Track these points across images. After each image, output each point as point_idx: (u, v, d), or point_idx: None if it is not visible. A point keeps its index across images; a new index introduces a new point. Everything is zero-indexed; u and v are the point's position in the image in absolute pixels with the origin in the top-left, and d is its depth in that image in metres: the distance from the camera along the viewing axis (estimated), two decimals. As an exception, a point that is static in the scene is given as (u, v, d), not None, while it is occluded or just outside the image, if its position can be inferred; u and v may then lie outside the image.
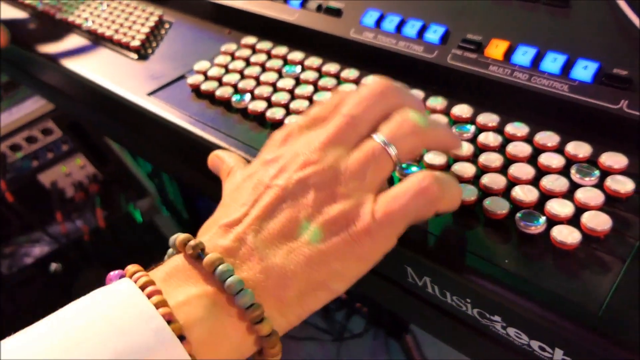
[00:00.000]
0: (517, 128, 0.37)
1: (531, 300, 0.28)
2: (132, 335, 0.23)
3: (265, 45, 0.50)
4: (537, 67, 0.38)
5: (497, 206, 0.32)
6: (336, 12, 0.48)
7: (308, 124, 0.32)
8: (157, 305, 0.24)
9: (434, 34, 0.43)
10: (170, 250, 0.30)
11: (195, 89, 0.48)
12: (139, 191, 1.11)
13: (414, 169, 0.35)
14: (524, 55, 0.39)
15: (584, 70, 0.36)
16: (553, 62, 0.37)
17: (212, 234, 0.29)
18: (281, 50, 0.49)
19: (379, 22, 0.46)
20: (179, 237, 0.28)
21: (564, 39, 0.38)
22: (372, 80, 0.32)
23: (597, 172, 0.33)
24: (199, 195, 1.19)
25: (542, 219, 0.31)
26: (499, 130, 0.37)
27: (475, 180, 0.34)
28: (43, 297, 1.05)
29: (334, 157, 0.29)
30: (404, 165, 0.35)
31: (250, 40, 0.51)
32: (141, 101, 0.49)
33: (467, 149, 0.36)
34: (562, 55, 0.37)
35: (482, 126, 0.38)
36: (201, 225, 0.31)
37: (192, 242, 0.27)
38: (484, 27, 0.41)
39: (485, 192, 0.33)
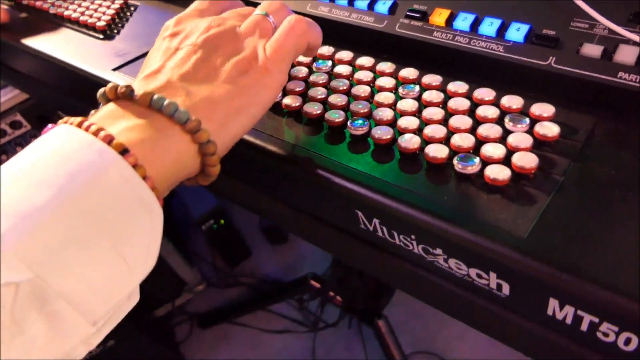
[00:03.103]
0: (458, 86, 0.40)
1: (466, 230, 0.31)
2: (78, 159, 0.27)
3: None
4: (476, 31, 0.41)
5: (438, 152, 0.35)
6: (293, -10, 0.51)
7: (192, 15, 0.38)
8: (96, 133, 0.28)
9: (383, 5, 0.46)
10: (93, 111, 0.33)
11: (160, 64, 0.50)
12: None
13: (359, 121, 0.38)
14: (464, 21, 0.42)
15: (517, 32, 0.40)
16: (490, 26, 0.41)
17: (138, 85, 0.33)
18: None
19: (333, -4, 0.48)
20: (107, 87, 0.32)
21: (500, 5, 0.41)
22: None
23: (527, 120, 0.36)
24: (172, 194, 1.20)
25: (477, 159, 0.34)
26: (442, 89, 0.40)
27: (419, 132, 0.37)
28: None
29: (230, 24, 0.37)
30: (353, 122, 0.38)
31: (212, 18, 0.54)
32: (106, 76, 0.51)
33: (412, 104, 0.39)
34: (497, 20, 0.41)
35: (427, 86, 0.41)
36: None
37: (122, 85, 0.31)
38: (429, -2, 0.44)
39: (428, 141, 0.36)
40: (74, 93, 0.60)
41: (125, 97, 0.31)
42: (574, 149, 0.35)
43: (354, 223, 0.37)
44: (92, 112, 0.33)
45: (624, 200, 0.31)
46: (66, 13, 0.60)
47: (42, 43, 0.58)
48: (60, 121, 0.30)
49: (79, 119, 0.29)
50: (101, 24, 0.57)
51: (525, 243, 0.30)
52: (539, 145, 0.35)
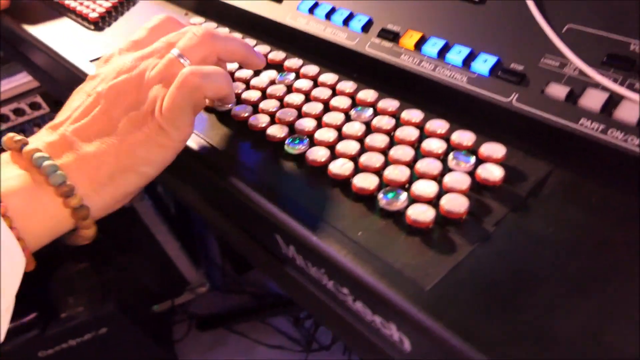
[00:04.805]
0: (412, 115, 0.37)
1: (368, 271, 0.28)
2: None
3: (209, 25, 0.52)
4: (443, 58, 0.38)
5: (366, 182, 0.32)
6: (278, -1, 0.49)
7: (128, 48, 0.38)
8: None
9: (358, 22, 0.43)
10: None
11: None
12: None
13: (297, 140, 0.36)
14: (433, 46, 0.39)
15: (483, 64, 0.36)
16: (457, 54, 0.37)
17: (40, 134, 0.34)
18: (222, 30, 0.51)
19: (312, 9, 0.46)
20: (7, 136, 0.33)
21: (473, 34, 0.38)
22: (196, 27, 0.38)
23: (472, 160, 0.32)
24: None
25: (403, 196, 0.31)
26: (397, 116, 0.38)
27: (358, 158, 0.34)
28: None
29: (144, 66, 0.35)
30: (291, 140, 0.36)
31: (197, 20, 0.53)
32: (83, 66, 0.51)
33: (357, 128, 0.36)
34: (466, 48, 0.37)
35: (382, 111, 0.38)
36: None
37: (16, 138, 0.32)
38: (405, 19, 0.42)
39: (362, 169, 0.33)
40: (62, 82, 0.60)
41: (17, 150, 0.32)
42: (516, 198, 0.31)
43: (278, 248, 0.35)
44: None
45: (553, 264, 0.27)
46: (66, 1, 0.61)
47: (38, 29, 0.59)
48: None
49: None
50: (94, 15, 0.57)
51: (424, 296, 0.26)
52: (480, 188, 0.32)
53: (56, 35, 0.58)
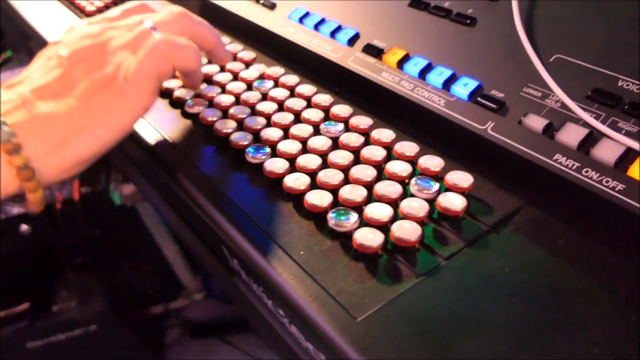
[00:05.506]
0: (382, 134, 0.35)
1: (301, 294, 0.26)
2: None
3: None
4: (424, 78, 0.36)
5: (318, 199, 0.30)
6: (271, 6, 0.48)
7: (98, 22, 0.37)
8: None
9: (345, 35, 0.42)
10: None
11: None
12: (124, 175, 1.13)
13: (253, 149, 0.34)
14: (415, 65, 0.37)
15: (463, 87, 0.34)
16: (438, 76, 0.36)
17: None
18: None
19: (302, 18, 0.45)
20: None
21: (459, 55, 0.36)
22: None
23: (435, 187, 0.30)
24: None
25: (354, 218, 0.29)
26: (368, 133, 0.36)
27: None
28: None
29: (111, 34, 0.35)
30: (251, 149, 0.34)
31: (191, 21, 0.52)
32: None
33: (323, 143, 0.34)
34: (448, 70, 0.35)
35: (354, 127, 0.36)
36: None
37: None
38: (393, 35, 0.40)
39: (320, 186, 0.31)
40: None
41: None
42: (476, 232, 0.29)
43: (226, 260, 0.33)
44: None
45: (502, 308, 0.25)
46: (75, -2, 0.61)
47: (34, 16, 0.60)
48: None
49: None
50: (91, 8, 0.57)
51: (354, 327, 0.24)
52: (441, 218, 0.30)
53: (50, 24, 0.58)
